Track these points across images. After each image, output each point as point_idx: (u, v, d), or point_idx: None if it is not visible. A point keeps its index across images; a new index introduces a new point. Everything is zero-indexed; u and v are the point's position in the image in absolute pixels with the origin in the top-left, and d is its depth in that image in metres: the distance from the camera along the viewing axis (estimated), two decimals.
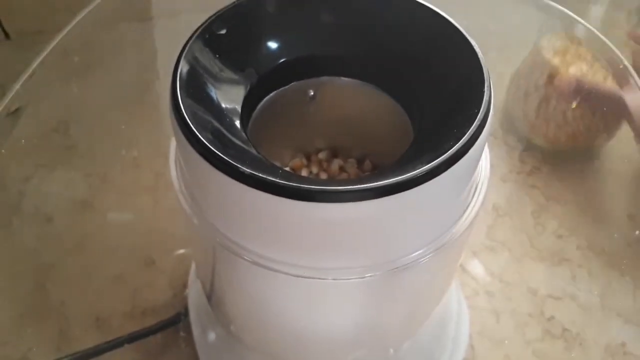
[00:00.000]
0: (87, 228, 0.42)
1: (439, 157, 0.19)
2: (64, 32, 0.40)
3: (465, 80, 0.23)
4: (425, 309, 0.29)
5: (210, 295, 0.30)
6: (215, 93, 0.23)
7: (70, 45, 0.42)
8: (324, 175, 0.30)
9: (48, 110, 0.48)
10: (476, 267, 0.41)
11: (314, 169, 0.30)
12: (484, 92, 0.21)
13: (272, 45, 0.25)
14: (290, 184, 0.19)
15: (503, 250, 0.42)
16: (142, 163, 0.46)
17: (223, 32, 0.24)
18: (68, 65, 0.46)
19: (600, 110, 0.44)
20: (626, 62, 0.42)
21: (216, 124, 0.22)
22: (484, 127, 0.21)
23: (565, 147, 0.47)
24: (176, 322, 0.36)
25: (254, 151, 0.22)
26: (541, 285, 0.40)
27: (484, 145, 0.22)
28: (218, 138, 0.21)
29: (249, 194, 0.19)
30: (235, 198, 0.20)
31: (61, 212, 0.43)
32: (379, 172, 0.21)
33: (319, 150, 0.31)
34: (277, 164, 0.27)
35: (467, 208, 0.23)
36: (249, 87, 0.24)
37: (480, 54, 0.23)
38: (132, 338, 0.35)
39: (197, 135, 0.20)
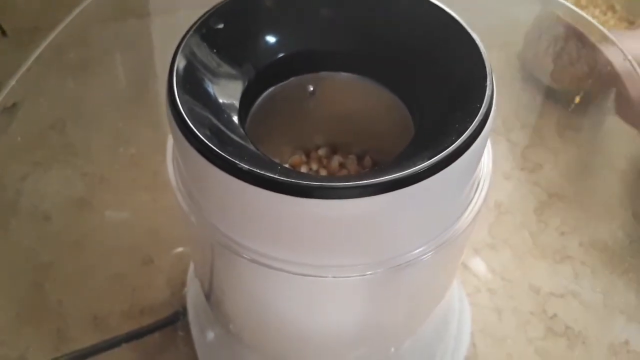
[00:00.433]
0: (85, 227, 0.42)
1: (440, 153, 0.19)
2: (60, 27, 0.40)
3: (467, 74, 0.22)
4: (427, 307, 0.29)
5: (209, 294, 0.29)
6: (213, 88, 0.22)
7: (67, 41, 0.41)
8: (323, 172, 0.30)
9: (45, 107, 0.47)
10: (478, 265, 0.41)
11: (314, 166, 0.30)
12: (486, 86, 0.21)
13: (271, 39, 0.25)
14: (290, 180, 0.18)
15: (505, 247, 0.42)
16: (140, 161, 0.46)
17: (220, 26, 0.24)
18: (65, 62, 0.46)
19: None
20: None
21: (214, 120, 0.21)
22: (486, 122, 0.20)
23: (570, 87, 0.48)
24: (174, 321, 0.36)
25: (252, 147, 0.21)
26: (543, 283, 0.40)
27: (487, 140, 0.21)
28: (216, 134, 0.20)
29: (247, 190, 0.19)
30: (234, 195, 0.20)
31: (59, 211, 0.43)
32: (379, 168, 0.21)
33: (318, 147, 0.30)
34: (276, 160, 0.26)
35: (469, 205, 0.23)
36: (247, 82, 0.24)
37: (482, 48, 0.23)
38: (130, 337, 0.35)
39: (195, 132, 0.20)
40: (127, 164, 0.45)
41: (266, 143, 0.25)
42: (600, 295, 0.40)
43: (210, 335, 0.34)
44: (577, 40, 0.48)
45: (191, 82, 0.22)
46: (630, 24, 0.50)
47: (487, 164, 0.24)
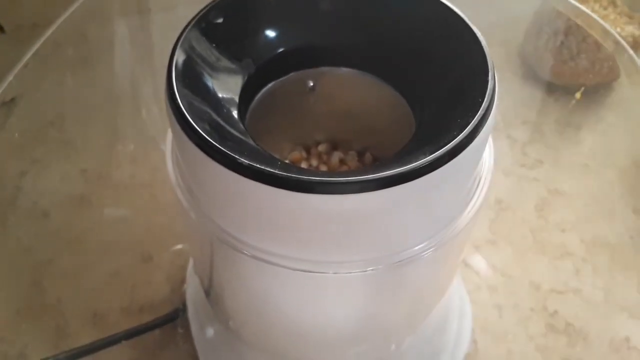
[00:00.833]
0: (84, 224, 0.42)
1: (442, 148, 0.19)
2: (58, 23, 0.40)
3: (469, 69, 0.22)
4: (428, 303, 0.29)
5: (209, 290, 0.29)
6: (212, 83, 0.22)
7: (65, 37, 0.41)
8: (324, 168, 0.29)
9: (43, 104, 0.47)
10: (478, 262, 0.41)
11: (314, 162, 0.30)
12: (487, 81, 0.21)
13: (271, 34, 0.25)
14: (290, 175, 0.18)
15: (505, 244, 0.42)
16: (139, 158, 0.45)
17: (220, 20, 0.24)
18: (63, 58, 0.46)
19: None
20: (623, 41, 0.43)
21: (213, 114, 0.21)
22: (488, 116, 0.20)
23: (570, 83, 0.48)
24: (174, 318, 0.36)
25: (252, 142, 0.21)
26: (544, 279, 0.40)
27: (488, 135, 0.21)
28: (215, 129, 0.20)
29: (247, 185, 0.19)
30: (234, 190, 0.20)
31: (58, 208, 0.42)
32: (380, 163, 0.21)
33: (318, 143, 0.30)
34: (276, 156, 0.26)
35: (470, 201, 0.23)
36: (246, 77, 0.24)
37: (483, 42, 0.22)
38: (130, 334, 0.35)
39: (194, 126, 0.20)
40: (126, 161, 0.45)
41: (266, 139, 0.24)
42: (601, 291, 0.40)
43: (210, 332, 0.33)
44: (577, 35, 0.47)
45: (190, 77, 0.22)
46: (631, 18, 0.50)
47: (489, 159, 0.24)
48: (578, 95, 0.48)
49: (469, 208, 0.23)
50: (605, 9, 0.50)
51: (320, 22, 0.25)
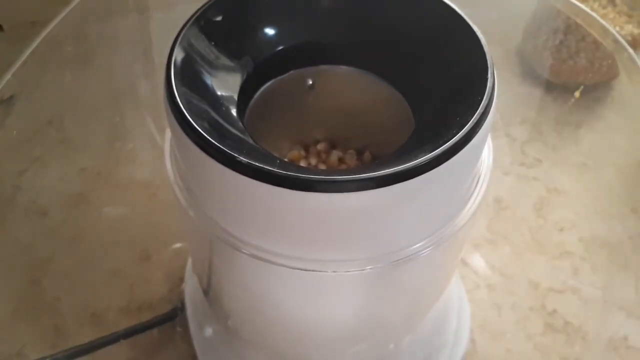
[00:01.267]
0: (83, 222, 0.42)
1: (441, 146, 0.19)
2: (56, 21, 0.40)
3: (468, 67, 0.22)
4: (427, 303, 0.29)
5: (207, 289, 0.29)
6: (211, 81, 0.22)
7: (63, 35, 0.41)
8: (322, 167, 0.29)
9: (41, 102, 0.47)
10: (477, 261, 0.41)
11: (313, 161, 0.30)
12: (487, 79, 0.21)
13: (270, 32, 0.25)
14: (289, 173, 0.18)
15: (504, 243, 0.42)
16: (137, 156, 0.45)
17: (219, 18, 0.24)
18: (61, 56, 0.46)
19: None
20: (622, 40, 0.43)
21: (212, 112, 0.21)
22: (487, 115, 0.20)
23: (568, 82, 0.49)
24: (173, 317, 0.36)
25: (250, 141, 0.21)
26: (543, 278, 0.40)
27: (488, 133, 0.21)
28: (214, 127, 0.20)
29: (246, 184, 0.19)
30: (232, 188, 0.20)
31: (56, 207, 0.42)
32: (379, 161, 0.21)
33: (317, 141, 0.30)
34: (275, 155, 0.26)
35: (469, 199, 0.23)
36: (245, 75, 0.24)
37: (483, 41, 0.22)
38: (128, 333, 0.35)
39: (193, 124, 0.19)
40: (124, 159, 0.45)
41: (265, 137, 0.24)
42: (599, 290, 0.40)
43: (209, 331, 0.33)
44: (576, 34, 0.47)
45: (189, 75, 0.21)
46: (630, 17, 0.50)
47: (488, 158, 0.24)
48: (577, 94, 0.48)
49: (467, 206, 0.23)
50: (604, 7, 0.50)
51: (319, 20, 0.25)
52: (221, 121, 0.21)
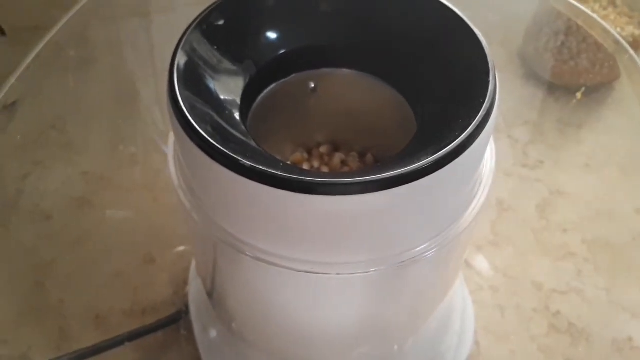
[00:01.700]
0: (86, 226, 0.42)
1: (444, 148, 0.19)
2: (59, 25, 0.40)
3: (470, 70, 0.22)
4: (430, 304, 0.29)
5: (211, 292, 0.29)
6: (214, 85, 0.22)
7: (66, 39, 0.41)
8: (325, 170, 0.29)
9: (45, 106, 0.47)
10: (480, 262, 0.41)
11: (315, 163, 0.30)
12: (489, 82, 0.21)
13: (272, 36, 0.25)
14: (292, 176, 0.18)
15: (507, 244, 0.42)
16: (140, 159, 0.45)
17: (221, 22, 0.24)
18: (64, 60, 0.46)
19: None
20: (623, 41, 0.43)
21: (215, 116, 0.21)
22: (489, 117, 0.20)
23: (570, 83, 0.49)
24: (177, 320, 0.36)
25: (254, 144, 0.21)
26: (546, 280, 0.40)
27: (490, 136, 0.21)
28: (217, 131, 0.20)
29: (250, 187, 0.19)
30: (236, 192, 0.20)
31: (59, 210, 0.43)
32: (382, 164, 0.21)
33: (320, 144, 0.30)
34: (278, 158, 0.26)
35: (472, 201, 0.23)
36: (248, 79, 0.24)
37: (484, 43, 0.22)
38: (133, 336, 0.35)
39: (196, 128, 0.20)
40: (127, 163, 0.45)
41: (267, 140, 0.25)
42: (603, 292, 0.40)
43: (213, 333, 0.33)
44: (577, 36, 0.47)
45: (192, 79, 0.22)
46: (630, 18, 0.50)
47: (490, 160, 0.24)
48: (579, 95, 0.48)
49: (471, 208, 0.23)
50: (605, 9, 0.50)
51: (321, 24, 0.25)
52: (224, 125, 0.21)
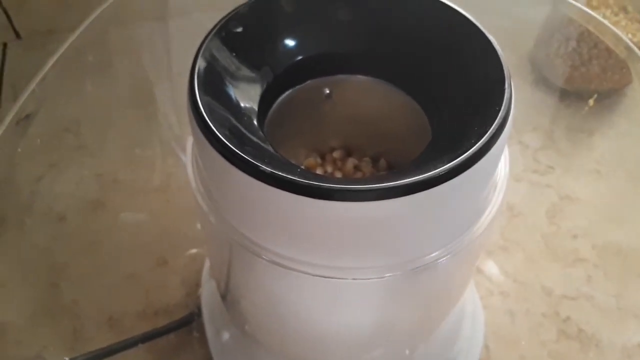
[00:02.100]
0: (99, 228, 0.42)
1: (460, 156, 0.19)
2: (77, 32, 0.40)
3: (485, 77, 0.22)
4: (443, 309, 0.29)
5: (225, 294, 0.30)
6: (233, 91, 0.23)
7: (84, 44, 0.42)
8: (338, 174, 0.30)
9: (60, 109, 0.48)
10: (490, 267, 0.41)
11: (329, 168, 0.30)
12: (504, 89, 0.21)
13: (288, 43, 0.25)
14: (311, 182, 0.19)
15: (517, 250, 0.42)
16: (154, 162, 0.46)
17: (239, 30, 0.24)
18: (81, 65, 0.46)
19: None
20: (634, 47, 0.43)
21: (234, 121, 0.22)
22: (505, 125, 0.20)
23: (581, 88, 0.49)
24: (189, 322, 0.36)
25: (271, 149, 0.21)
26: (556, 285, 0.40)
27: (505, 143, 0.21)
28: (236, 136, 0.21)
29: (269, 192, 0.19)
30: (255, 197, 0.20)
31: (73, 212, 0.43)
32: (399, 171, 0.21)
33: (333, 149, 0.31)
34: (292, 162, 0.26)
35: (487, 208, 0.23)
36: (265, 85, 0.24)
37: (499, 51, 0.23)
38: (146, 338, 0.35)
39: (216, 133, 0.20)
40: (141, 166, 0.46)
41: (282, 145, 0.25)
42: (613, 298, 0.40)
43: (226, 335, 0.34)
44: (588, 42, 0.48)
45: (211, 85, 0.22)
46: None
47: (504, 167, 0.24)
48: (591, 102, 0.48)
49: (485, 215, 0.23)
50: (616, 15, 0.50)
51: (336, 31, 0.26)
52: (243, 130, 0.22)
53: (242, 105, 0.23)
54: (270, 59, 0.25)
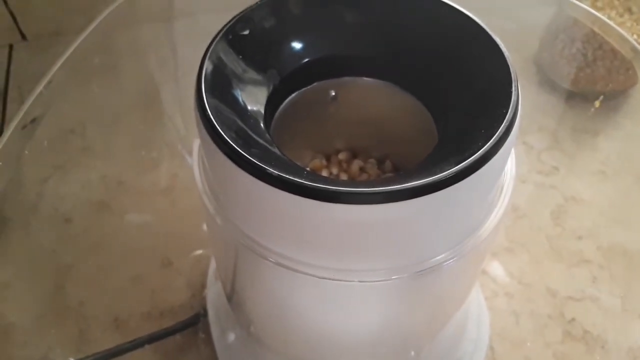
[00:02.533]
0: (105, 229, 0.42)
1: (467, 159, 0.19)
2: (84, 35, 0.40)
3: (492, 80, 0.22)
4: (448, 311, 0.29)
5: (231, 295, 0.30)
6: (239, 93, 0.23)
7: (90, 46, 0.42)
8: (344, 176, 0.30)
9: (66, 111, 0.48)
10: (495, 269, 0.41)
11: (334, 170, 0.30)
12: (511, 92, 0.21)
13: (295, 45, 0.25)
14: (318, 185, 0.19)
15: (522, 251, 0.42)
16: (159, 164, 0.46)
17: (246, 32, 0.24)
18: (87, 67, 0.46)
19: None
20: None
21: (241, 124, 0.22)
22: (512, 127, 0.20)
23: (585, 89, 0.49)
24: (195, 323, 0.36)
25: (278, 152, 0.21)
26: (561, 286, 0.40)
27: (512, 146, 0.21)
28: (243, 138, 0.21)
29: (275, 195, 0.19)
30: (261, 199, 0.20)
31: (79, 213, 0.43)
32: (405, 173, 0.21)
33: (338, 151, 0.31)
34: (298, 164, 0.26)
35: (493, 210, 0.23)
36: (271, 87, 0.24)
37: (506, 53, 0.23)
38: (152, 339, 0.35)
39: (223, 136, 0.20)
40: (146, 167, 0.46)
41: (288, 147, 0.25)
42: (618, 299, 0.40)
43: (231, 336, 0.34)
44: (593, 43, 0.48)
45: (218, 87, 0.22)
46: None
47: (511, 169, 0.24)
48: (597, 103, 0.48)
49: (491, 217, 0.23)
50: (621, 16, 0.50)
51: (343, 33, 0.26)
52: (250, 132, 0.22)
53: (248, 107, 0.23)
54: (277, 61, 0.25)
